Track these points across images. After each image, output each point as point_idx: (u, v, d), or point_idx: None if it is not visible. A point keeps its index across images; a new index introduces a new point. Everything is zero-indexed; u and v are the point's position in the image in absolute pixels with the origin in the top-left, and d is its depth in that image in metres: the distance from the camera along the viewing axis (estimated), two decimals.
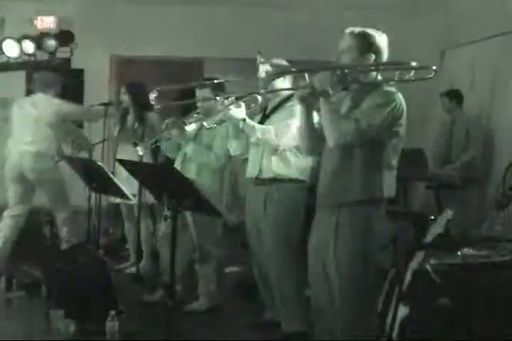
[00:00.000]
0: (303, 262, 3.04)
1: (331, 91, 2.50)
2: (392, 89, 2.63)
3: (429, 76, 2.54)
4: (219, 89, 4.00)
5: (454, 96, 5.90)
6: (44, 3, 7.13)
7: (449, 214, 2.70)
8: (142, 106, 4.84)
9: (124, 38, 7.45)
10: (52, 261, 4.00)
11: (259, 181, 3.51)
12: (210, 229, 3.97)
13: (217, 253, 4.05)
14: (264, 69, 2.51)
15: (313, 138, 2.72)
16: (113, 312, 3.40)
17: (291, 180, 3.43)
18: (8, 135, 5.11)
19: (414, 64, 2.51)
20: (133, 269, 4.83)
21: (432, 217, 2.75)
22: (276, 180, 3.44)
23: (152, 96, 3.10)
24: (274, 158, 3.44)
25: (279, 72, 2.58)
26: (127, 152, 4.77)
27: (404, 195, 5.22)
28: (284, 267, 3.46)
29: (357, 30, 2.65)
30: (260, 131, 3.41)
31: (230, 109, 3.38)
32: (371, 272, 2.67)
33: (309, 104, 2.61)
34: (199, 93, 4.01)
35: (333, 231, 2.67)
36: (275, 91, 3.25)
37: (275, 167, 3.44)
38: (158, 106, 3.01)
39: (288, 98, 3.49)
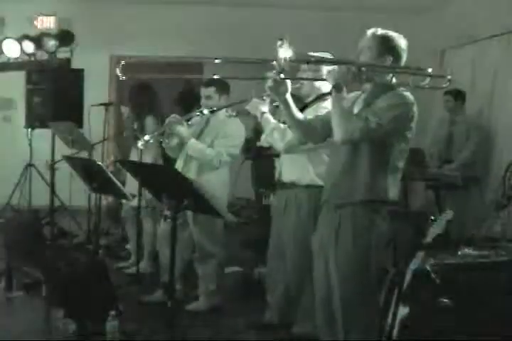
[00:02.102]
0: None
1: (344, 86, 2.50)
2: (406, 92, 2.63)
3: (444, 85, 2.55)
4: (224, 88, 4.00)
5: (458, 95, 5.86)
6: (44, 3, 7.14)
7: (449, 214, 2.70)
8: (143, 107, 4.88)
9: (124, 38, 7.45)
10: (52, 261, 4.00)
11: (281, 184, 3.49)
12: (211, 229, 3.97)
13: (218, 253, 4.05)
14: (284, 54, 2.44)
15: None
16: (113, 312, 3.39)
17: (310, 186, 3.35)
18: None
19: (430, 71, 2.51)
20: (134, 268, 4.83)
21: (432, 217, 2.75)
22: (295, 185, 3.39)
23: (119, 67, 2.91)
24: (290, 163, 3.41)
25: (300, 60, 2.54)
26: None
27: (404, 195, 5.21)
28: (302, 270, 3.41)
29: (379, 31, 2.65)
30: (268, 131, 3.38)
31: (252, 101, 3.35)
32: (372, 273, 2.66)
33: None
34: (204, 91, 4.01)
35: (334, 230, 2.67)
36: (289, 79, 3.13)
37: (291, 171, 3.41)
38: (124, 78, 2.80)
39: (317, 99, 3.41)
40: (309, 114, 3.34)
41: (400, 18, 7.08)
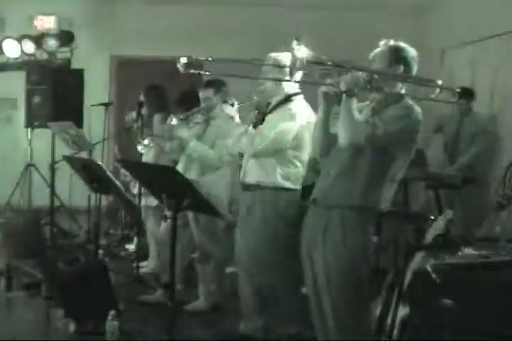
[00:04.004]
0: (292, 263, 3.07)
1: (355, 91, 2.50)
2: (414, 104, 2.64)
3: (454, 100, 2.58)
4: (221, 88, 4.01)
5: (469, 95, 5.67)
6: (44, 3, 7.14)
7: (449, 214, 2.70)
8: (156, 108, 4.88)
9: (124, 38, 7.45)
10: (52, 261, 4.00)
11: (245, 185, 3.44)
12: (212, 229, 3.97)
13: (218, 253, 4.05)
14: (301, 54, 2.39)
15: (327, 139, 2.72)
16: (113, 312, 3.40)
17: (275, 188, 3.29)
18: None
19: (440, 83, 2.53)
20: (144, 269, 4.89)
21: (432, 217, 2.75)
22: (259, 187, 3.34)
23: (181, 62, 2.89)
24: (255, 164, 3.36)
25: (317, 62, 2.52)
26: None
27: (404, 195, 5.21)
28: (271, 269, 3.34)
29: (391, 42, 2.68)
30: (235, 137, 3.39)
31: (222, 107, 3.36)
32: (358, 275, 2.66)
33: (331, 102, 2.62)
34: (202, 93, 4.01)
35: (321, 232, 2.67)
36: (301, 82, 3.05)
37: (257, 173, 3.36)
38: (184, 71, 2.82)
39: (286, 100, 3.36)
40: (275, 116, 3.33)
41: (400, 18, 7.12)
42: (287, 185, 3.30)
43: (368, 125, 2.51)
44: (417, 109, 2.62)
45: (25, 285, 4.31)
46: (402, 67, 2.64)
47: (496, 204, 4.39)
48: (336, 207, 2.66)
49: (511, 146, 5.52)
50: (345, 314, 2.67)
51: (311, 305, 2.83)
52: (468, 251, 2.88)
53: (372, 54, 2.70)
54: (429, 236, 2.66)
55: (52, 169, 5.77)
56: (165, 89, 5.05)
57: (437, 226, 2.65)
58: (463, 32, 6.30)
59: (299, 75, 3.00)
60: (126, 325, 3.49)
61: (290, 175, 3.30)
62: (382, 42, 2.70)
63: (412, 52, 2.68)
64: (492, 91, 5.92)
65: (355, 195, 2.62)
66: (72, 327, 3.49)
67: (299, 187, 3.32)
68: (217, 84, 4.00)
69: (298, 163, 3.31)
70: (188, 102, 4.54)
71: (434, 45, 6.75)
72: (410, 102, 2.65)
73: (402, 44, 2.69)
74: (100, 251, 4.89)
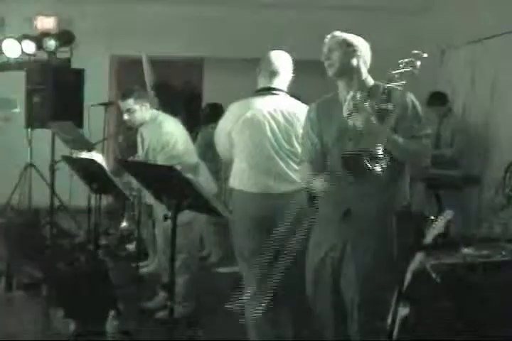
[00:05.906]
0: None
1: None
2: (401, 90, 2.60)
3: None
4: (142, 95, 3.99)
5: (442, 100, 5.87)
6: (44, 3, 7.14)
7: (449, 214, 2.70)
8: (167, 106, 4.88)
9: (124, 38, 7.45)
10: (52, 261, 4.00)
11: None
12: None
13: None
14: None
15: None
16: (113, 312, 3.40)
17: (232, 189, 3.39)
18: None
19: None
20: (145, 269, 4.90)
21: (432, 217, 2.75)
22: None
23: None
24: None
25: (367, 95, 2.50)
26: None
27: None
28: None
29: (338, 35, 2.64)
30: None
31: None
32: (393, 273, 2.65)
33: None
34: (122, 106, 3.99)
35: (359, 238, 2.61)
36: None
37: None
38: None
39: None
40: None
41: (400, 18, 7.11)
42: (232, 184, 3.32)
43: (420, 140, 2.50)
44: (408, 93, 2.55)
45: (25, 285, 4.30)
46: (363, 58, 2.61)
47: (496, 204, 4.39)
48: (383, 213, 2.61)
49: (511, 146, 5.51)
50: (374, 313, 2.62)
51: (327, 309, 2.74)
52: (468, 251, 2.88)
53: (328, 52, 2.62)
54: (429, 236, 2.66)
55: (52, 169, 5.76)
56: (174, 86, 5.07)
57: (437, 226, 2.66)
58: (463, 32, 6.30)
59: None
60: (126, 325, 3.49)
61: (234, 175, 3.32)
62: (329, 37, 2.64)
63: (362, 41, 2.63)
64: (492, 91, 5.92)
65: (399, 195, 2.64)
66: (72, 327, 3.49)
67: (251, 189, 3.24)
68: (135, 92, 3.97)
69: (237, 160, 3.29)
70: (186, 101, 4.56)
71: (434, 45, 6.75)
72: (398, 89, 2.55)
73: (350, 35, 2.63)
74: (100, 251, 4.89)
